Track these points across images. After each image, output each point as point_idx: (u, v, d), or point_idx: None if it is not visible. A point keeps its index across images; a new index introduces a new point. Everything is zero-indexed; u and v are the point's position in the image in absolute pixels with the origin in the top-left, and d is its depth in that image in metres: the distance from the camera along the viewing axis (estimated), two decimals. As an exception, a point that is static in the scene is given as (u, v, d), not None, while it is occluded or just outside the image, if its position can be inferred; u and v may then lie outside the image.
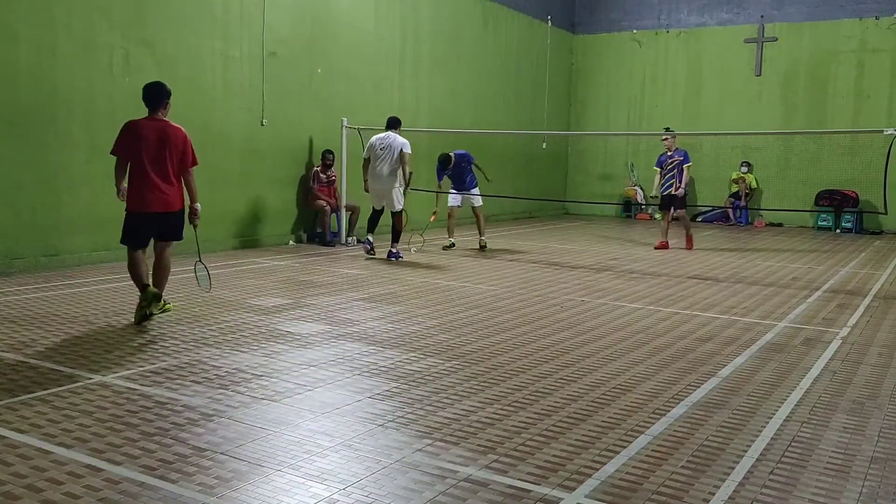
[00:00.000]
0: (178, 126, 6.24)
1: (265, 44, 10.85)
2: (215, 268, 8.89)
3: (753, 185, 17.19)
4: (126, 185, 6.17)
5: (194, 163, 6.29)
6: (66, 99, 8.54)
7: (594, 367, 5.19)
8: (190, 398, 4.32)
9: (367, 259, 10.09)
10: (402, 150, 10.01)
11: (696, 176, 18.21)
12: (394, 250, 10.17)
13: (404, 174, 10.10)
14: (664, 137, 12.46)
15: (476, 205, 11.49)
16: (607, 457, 3.63)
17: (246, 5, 10.55)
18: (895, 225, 16.05)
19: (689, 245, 12.30)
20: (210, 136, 10.19)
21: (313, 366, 5.05)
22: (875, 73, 16.37)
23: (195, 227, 6.40)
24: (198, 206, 6.35)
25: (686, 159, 11.96)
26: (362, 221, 11.30)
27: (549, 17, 18.31)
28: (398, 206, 10.17)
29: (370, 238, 10.35)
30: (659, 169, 12.14)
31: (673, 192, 11.97)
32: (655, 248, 12.18)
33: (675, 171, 11.94)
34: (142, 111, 5.83)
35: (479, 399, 4.44)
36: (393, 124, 10.39)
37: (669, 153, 12.02)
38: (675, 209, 12.11)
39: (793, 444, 3.86)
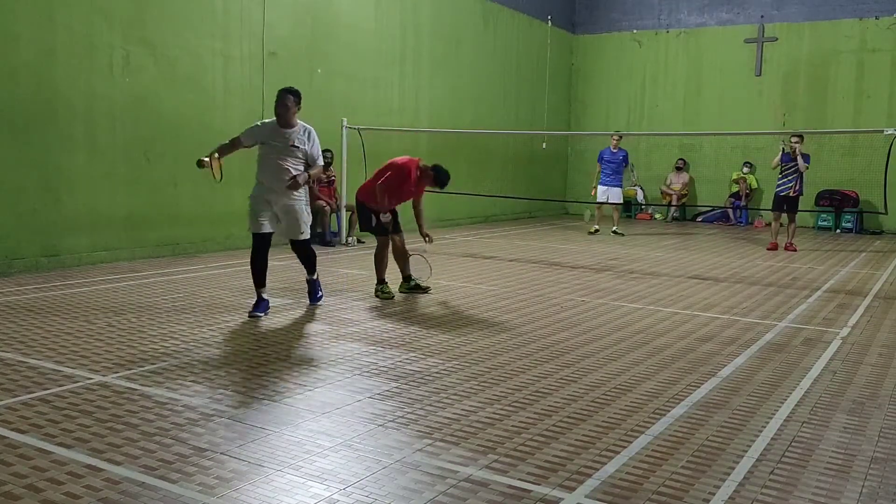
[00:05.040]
0: (406, 161, 7.61)
1: (265, 44, 10.86)
2: (215, 268, 8.91)
3: (754, 185, 17.19)
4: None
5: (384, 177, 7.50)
6: (66, 99, 8.54)
7: (594, 368, 5.19)
8: (190, 398, 4.32)
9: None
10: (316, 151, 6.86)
11: (697, 176, 18.23)
12: (314, 278, 7.11)
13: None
14: (794, 140, 12.02)
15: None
16: (607, 457, 3.63)
17: (246, 5, 10.55)
18: (895, 225, 16.05)
19: (792, 248, 12.29)
20: (210, 136, 10.17)
21: (313, 366, 5.06)
22: (875, 73, 16.36)
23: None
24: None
25: (806, 160, 11.99)
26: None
27: (549, 17, 18.30)
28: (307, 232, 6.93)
29: (264, 294, 6.69)
30: (785, 164, 12.08)
31: (791, 195, 12.04)
32: (768, 250, 12.27)
33: (796, 173, 11.92)
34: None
35: (480, 399, 4.44)
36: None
37: (793, 155, 11.94)
38: (788, 212, 12.20)
39: (793, 444, 3.86)
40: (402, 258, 7.75)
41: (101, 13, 8.80)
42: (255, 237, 6.73)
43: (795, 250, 12.23)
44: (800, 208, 12.80)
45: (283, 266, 9.35)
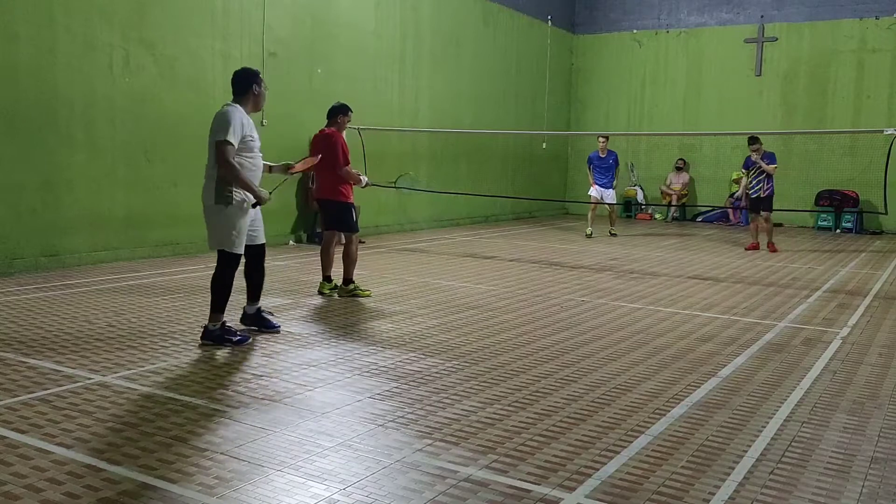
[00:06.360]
0: (326, 132, 7.53)
1: (265, 44, 10.85)
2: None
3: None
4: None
5: (335, 160, 7.44)
6: (66, 99, 8.53)
7: (594, 367, 5.19)
8: (190, 398, 4.32)
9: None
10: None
11: (697, 176, 18.23)
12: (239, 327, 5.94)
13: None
14: (754, 147, 12.11)
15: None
16: (607, 457, 3.63)
17: (246, 5, 10.55)
18: (895, 225, 16.05)
19: (773, 248, 12.27)
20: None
21: (313, 366, 5.05)
22: (875, 73, 16.36)
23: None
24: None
25: (772, 161, 12.06)
26: (363, 221, 11.00)
27: (549, 17, 18.31)
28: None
29: (262, 312, 6.10)
30: (745, 171, 12.32)
31: (762, 195, 12.12)
32: (746, 250, 12.30)
33: (763, 174, 12.02)
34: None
35: (480, 399, 4.44)
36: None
37: (755, 159, 12.06)
38: (763, 210, 12.26)
39: (793, 444, 3.86)
40: (330, 260, 7.79)
41: (101, 13, 8.80)
42: (235, 257, 5.59)
43: (776, 250, 12.14)
44: (795, 208, 12.86)
45: (283, 266, 9.35)
